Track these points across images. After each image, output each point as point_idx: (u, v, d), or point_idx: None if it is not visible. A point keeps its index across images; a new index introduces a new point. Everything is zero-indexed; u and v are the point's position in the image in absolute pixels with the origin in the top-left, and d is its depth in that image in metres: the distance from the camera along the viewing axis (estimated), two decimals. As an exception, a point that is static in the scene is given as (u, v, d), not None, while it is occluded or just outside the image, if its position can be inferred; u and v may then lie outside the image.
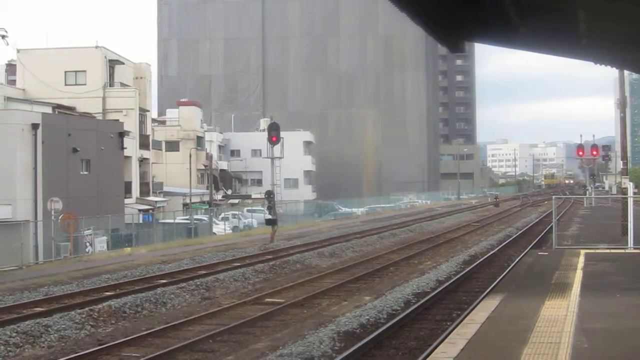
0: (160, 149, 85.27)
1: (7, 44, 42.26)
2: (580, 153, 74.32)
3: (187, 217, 65.83)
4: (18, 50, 66.88)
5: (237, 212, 75.08)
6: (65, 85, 65.57)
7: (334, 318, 19.93)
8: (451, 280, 25.40)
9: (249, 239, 49.34)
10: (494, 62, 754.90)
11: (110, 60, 67.55)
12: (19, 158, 47.86)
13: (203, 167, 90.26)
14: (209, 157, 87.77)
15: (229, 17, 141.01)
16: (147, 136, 73.20)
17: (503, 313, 14.91)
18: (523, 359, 11.16)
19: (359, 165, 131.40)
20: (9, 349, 17.55)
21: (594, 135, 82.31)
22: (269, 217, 45.48)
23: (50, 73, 64.71)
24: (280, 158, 49.03)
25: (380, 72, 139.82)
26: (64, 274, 31.46)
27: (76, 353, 16.96)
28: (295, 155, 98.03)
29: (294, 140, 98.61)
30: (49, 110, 58.38)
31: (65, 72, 66.06)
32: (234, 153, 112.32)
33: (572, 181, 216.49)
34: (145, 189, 70.84)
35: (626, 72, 45.01)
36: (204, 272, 30.57)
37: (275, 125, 45.92)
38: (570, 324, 13.51)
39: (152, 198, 71.75)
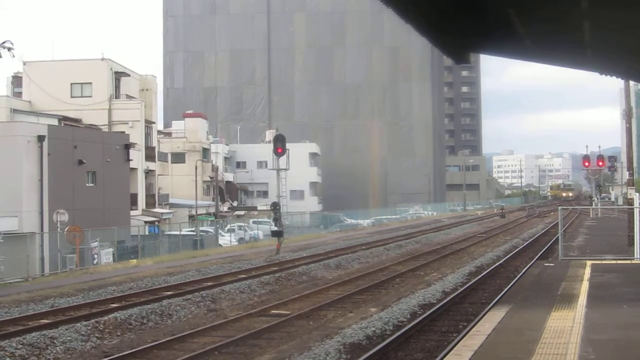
0: (166, 161, 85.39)
1: (13, 56, 42.07)
2: (586, 164, 74.26)
3: (193, 228, 65.79)
4: (24, 63, 67.04)
5: (243, 224, 75.00)
6: (71, 97, 65.67)
7: (339, 330, 19.89)
8: (457, 292, 25.35)
9: (255, 251, 49.32)
10: (499, 73, 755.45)
11: (116, 72, 67.69)
12: (25, 170, 47.94)
13: (209, 179, 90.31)
14: (215, 168, 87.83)
15: (234, 29, 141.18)
16: (153, 148, 73.29)
17: (509, 324, 14.87)
18: (529, 370, 11.13)
19: (364, 177, 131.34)
20: (14, 361, 17.57)
21: (599, 146, 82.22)
22: (275, 228, 45.49)
23: (56, 85, 64.86)
24: (286, 170, 48.97)
25: (386, 84, 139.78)
26: (69, 285, 31.48)
27: (82, 365, 16.96)
28: (301, 167, 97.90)
29: (299, 151, 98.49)
30: (54, 122, 58.55)
31: (71, 84, 66.20)
32: (240, 165, 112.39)
33: (571, 194, 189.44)
34: (151, 201, 70.91)
35: (632, 83, 45.04)
36: (210, 283, 30.55)
37: (280, 136, 45.97)
38: (576, 335, 13.47)
39: (158, 210, 71.83)
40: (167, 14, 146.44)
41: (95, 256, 45.07)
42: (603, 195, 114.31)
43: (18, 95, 73.84)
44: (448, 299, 23.82)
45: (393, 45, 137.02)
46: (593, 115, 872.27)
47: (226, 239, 64.88)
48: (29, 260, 39.16)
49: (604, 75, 11.91)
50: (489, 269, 32.35)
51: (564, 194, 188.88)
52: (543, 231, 59.45)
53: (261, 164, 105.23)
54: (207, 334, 20.26)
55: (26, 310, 24.41)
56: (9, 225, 44.09)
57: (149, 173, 70.37)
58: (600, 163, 71.71)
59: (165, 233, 61.78)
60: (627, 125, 47.64)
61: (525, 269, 29.13)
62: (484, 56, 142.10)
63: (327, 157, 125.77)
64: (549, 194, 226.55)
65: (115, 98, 67.46)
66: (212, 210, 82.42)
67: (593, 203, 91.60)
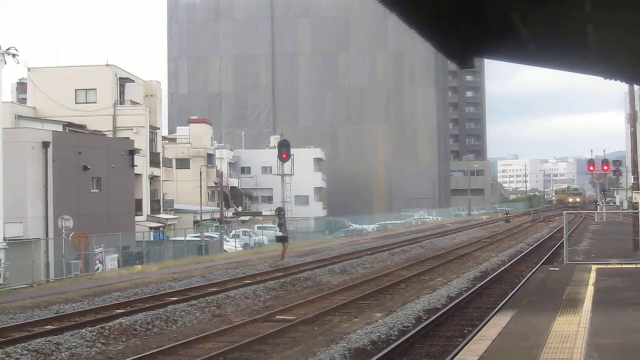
0: (171, 167, 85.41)
1: (18, 63, 42.31)
2: (591, 168, 74.12)
3: (198, 234, 65.87)
4: (29, 69, 67.16)
5: (247, 230, 75.08)
6: (76, 103, 65.80)
7: (345, 335, 19.86)
8: (462, 297, 25.31)
9: (260, 257, 49.29)
10: (505, 78, 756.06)
11: (120, 79, 67.81)
12: (30, 176, 48.04)
13: (214, 185, 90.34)
14: (220, 174, 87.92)
15: (239, 34, 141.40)
16: (158, 154, 73.39)
17: (514, 329, 14.85)
18: (535, 375, 11.11)
19: (369, 182, 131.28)
20: (20, 367, 17.57)
21: (604, 151, 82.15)
22: (280, 234, 45.46)
23: (61, 91, 64.98)
24: (290, 175, 49.00)
25: (391, 89, 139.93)
26: (75, 292, 31.49)
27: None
28: (305, 173, 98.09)
29: (304, 157, 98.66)
30: (59, 128, 58.60)
31: (76, 90, 66.31)
32: (245, 170, 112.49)
33: (578, 199, 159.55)
34: (156, 207, 70.97)
35: (636, 87, 44.94)
36: (215, 289, 30.54)
37: (285, 142, 45.93)
38: (582, 340, 13.45)
39: (163, 216, 71.87)
40: (171, 20, 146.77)
41: (99, 262, 45.09)
42: (608, 199, 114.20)
43: (23, 101, 73.98)
44: (453, 304, 23.79)
45: (397, 51, 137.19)
46: (598, 120, 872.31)
47: (231, 245, 64.94)
48: (34, 266, 39.16)
49: (608, 80, 11.90)
50: (494, 274, 32.30)
51: (570, 200, 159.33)
52: (548, 236, 59.32)
53: (266, 170, 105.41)
54: (213, 340, 20.24)
55: (31, 317, 24.41)
56: (15, 231, 44.15)
57: (153, 179, 70.45)
58: (605, 167, 71.52)
59: (171, 239, 61.85)
60: (632, 129, 47.55)
61: (531, 274, 29.11)
62: (489, 61, 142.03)
63: (332, 163, 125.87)
64: (554, 198, 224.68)
65: (120, 104, 67.55)
66: (217, 216, 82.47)
67: (598, 207, 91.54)
